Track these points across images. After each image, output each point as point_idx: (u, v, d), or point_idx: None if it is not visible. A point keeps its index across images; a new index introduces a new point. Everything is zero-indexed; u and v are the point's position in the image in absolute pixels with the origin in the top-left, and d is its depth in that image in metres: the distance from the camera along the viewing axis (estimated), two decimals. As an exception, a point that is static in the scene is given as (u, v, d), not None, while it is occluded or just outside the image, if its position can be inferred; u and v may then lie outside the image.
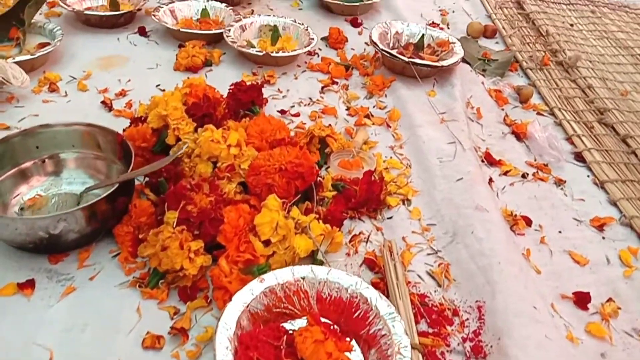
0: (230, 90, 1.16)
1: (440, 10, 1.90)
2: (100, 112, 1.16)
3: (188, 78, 1.14)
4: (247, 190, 0.92)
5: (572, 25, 1.81)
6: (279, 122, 1.06)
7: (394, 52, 1.41)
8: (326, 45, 1.54)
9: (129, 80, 1.27)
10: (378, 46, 1.37)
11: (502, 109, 1.36)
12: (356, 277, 0.75)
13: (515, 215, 0.99)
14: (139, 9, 1.50)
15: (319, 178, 0.98)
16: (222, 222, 0.81)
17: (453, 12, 1.90)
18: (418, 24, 1.52)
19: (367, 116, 1.25)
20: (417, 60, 1.33)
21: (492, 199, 1.00)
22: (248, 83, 1.25)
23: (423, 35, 1.46)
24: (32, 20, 1.35)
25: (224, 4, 1.56)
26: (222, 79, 1.32)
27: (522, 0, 1.93)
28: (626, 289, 0.90)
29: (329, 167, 1.07)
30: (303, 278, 0.74)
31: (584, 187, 1.11)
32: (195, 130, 0.99)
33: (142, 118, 1.04)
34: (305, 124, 1.20)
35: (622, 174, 1.15)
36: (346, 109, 1.28)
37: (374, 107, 1.29)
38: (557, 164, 1.16)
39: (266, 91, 1.27)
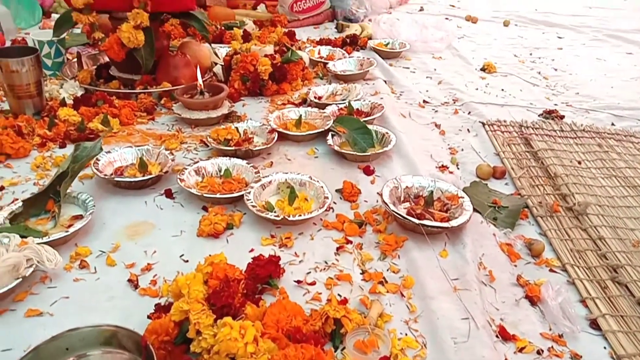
0: (249, 266, 1.23)
1: (449, 149, 1.99)
2: (127, 290, 1.22)
3: (210, 255, 1.21)
4: (263, 391, 0.95)
5: (579, 162, 1.86)
6: (294, 307, 1.10)
7: (406, 206, 1.49)
8: (340, 198, 1.62)
9: (155, 252, 1.34)
10: (389, 207, 1.43)
11: (515, 265, 1.38)
12: None
13: (532, 407, 0.99)
14: (166, 172, 1.61)
15: (334, 367, 1.01)
16: None
17: (462, 150, 1.99)
18: (427, 177, 1.59)
19: (382, 282, 1.29)
20: (427, 222, 1.38)
21: (507, 387, 1.01)
22: (266, 248, 1.34)
23: (432, 191, 1.52)
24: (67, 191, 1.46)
25: (245, 161, 1.67)
26: (242, 242, 1.40)
27: (529, 137, 2.01)
28: None
29: (344, 348, 1.09)
30: None
31: (601, 363, 1.11)
32: (215, 321, 1.04)
33: (165, 306, 1.11)
34: (320, 294, 1.24)
35: (640, 345, 1.14)
36: (361, 273, 1.32)
37: (387, 270, 1.33)
38: (572, 335, 1.16)
39: (283, 255, 1.33)
